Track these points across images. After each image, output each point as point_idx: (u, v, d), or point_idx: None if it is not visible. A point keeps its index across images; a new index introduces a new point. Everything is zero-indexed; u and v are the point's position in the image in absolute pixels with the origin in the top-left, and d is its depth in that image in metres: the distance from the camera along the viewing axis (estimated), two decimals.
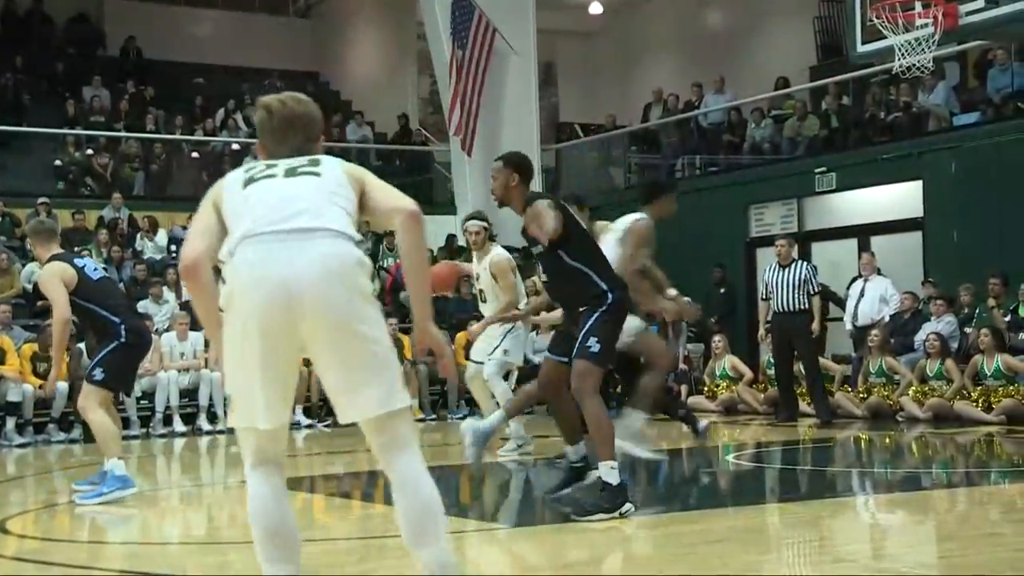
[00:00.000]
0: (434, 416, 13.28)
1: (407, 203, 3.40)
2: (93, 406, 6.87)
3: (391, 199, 3.45)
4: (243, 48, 22.49)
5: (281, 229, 3.26)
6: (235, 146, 18.72)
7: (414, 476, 3.30)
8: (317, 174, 3.42)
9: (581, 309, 5.58)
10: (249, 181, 3.41)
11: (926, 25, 8.80)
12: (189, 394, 12.53)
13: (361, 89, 22.83)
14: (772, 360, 11.79)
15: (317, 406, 12.83)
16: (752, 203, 15.31)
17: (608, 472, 5.42)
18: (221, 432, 12.02)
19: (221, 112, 19.66)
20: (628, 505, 5.43)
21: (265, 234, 3.26)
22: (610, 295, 5.53)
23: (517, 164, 5.73)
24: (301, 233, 3.25)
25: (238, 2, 23.36)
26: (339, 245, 3.27)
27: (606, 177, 18.91)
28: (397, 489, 3.31)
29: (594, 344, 5.43)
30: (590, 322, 5.51)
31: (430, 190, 19.88)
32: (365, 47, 23.50)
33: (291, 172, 3.42)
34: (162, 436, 11.93)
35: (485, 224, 8.80)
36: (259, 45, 22.71)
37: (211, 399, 12.35)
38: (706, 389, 13.12)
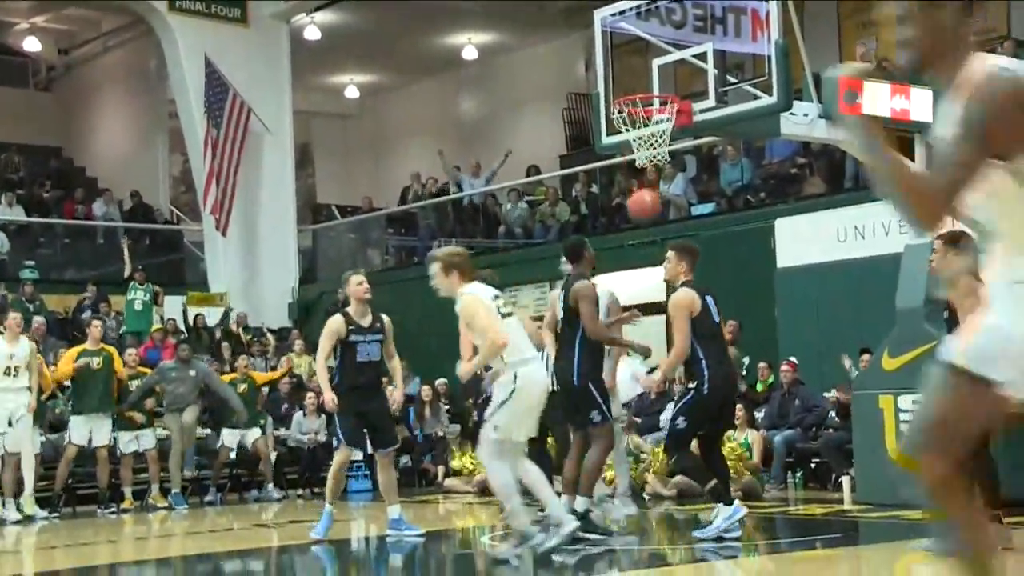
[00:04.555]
0: None
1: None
2: None
3: None
4: None
5: None
6: None
7: None
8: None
9: None
10: None
11: (663, 121, 9.36)
12: None
13: (108, 166, 22.05)
14: None
15: (57, 495, 12.10)
16: (507, 285, 15.66)
17: None
18: None
19: None
20: None
21: None
22: None
23: None
24: None
25: None
26: None
27: (364, 258, 18.96)
28: None
29: None
30: None
31: (182, 269, 19.36)
32: (112, 123, 22.74)
33: None
34: None
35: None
36: None
37: None
38: (464, 469, 13.21)
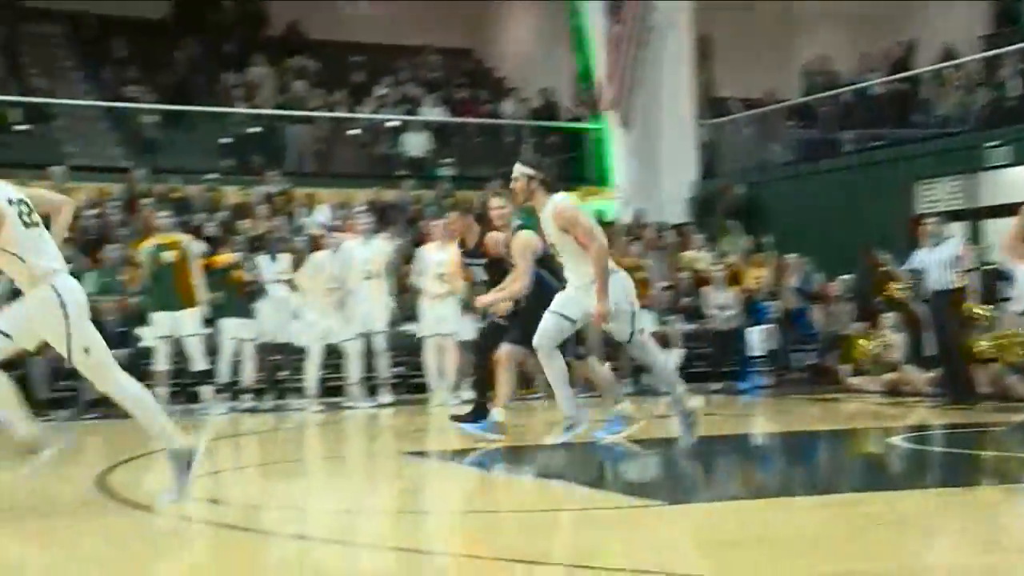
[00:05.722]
0: None
1: None
2: None
3: None
4: (398, 27, 22.78)
5: None
6: (395, 123, 18.98)
7: None
8: None
9: None
10: None
11: None
12: None
13: (515, 66, 22.90)
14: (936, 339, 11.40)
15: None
16: (920, 178, 14.80)
17: None
18: None
19: (379, 89, 19.94)
20: None
21: None
22: None
23: None
24: None
25: None
26: None
27: (765, 152, 18.49)
28: None
29: None
30: None
31: (584, 167, 19.83)
32: (518, 24, 23.54)
33: None
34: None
35: (529, 172, 7.52)
36: (414, 24, 22.95)
37: None
38: (869, 368, 12.79)
